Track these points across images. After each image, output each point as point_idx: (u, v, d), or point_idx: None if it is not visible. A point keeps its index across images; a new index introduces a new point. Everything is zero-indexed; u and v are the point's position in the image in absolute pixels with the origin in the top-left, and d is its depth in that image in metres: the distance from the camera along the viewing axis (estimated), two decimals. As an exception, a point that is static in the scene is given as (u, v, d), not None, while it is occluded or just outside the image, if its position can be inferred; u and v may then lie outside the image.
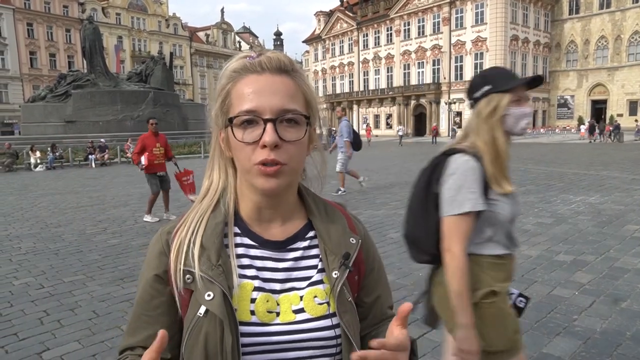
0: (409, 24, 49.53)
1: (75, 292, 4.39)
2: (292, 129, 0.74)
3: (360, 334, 0.84)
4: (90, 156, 21.50)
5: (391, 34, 51.20)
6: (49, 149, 21.02)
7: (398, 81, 50.81)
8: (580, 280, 4.30)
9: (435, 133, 35.92)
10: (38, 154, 20.68)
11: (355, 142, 9.70)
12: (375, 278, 0.90)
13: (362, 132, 53.20)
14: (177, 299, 0.79)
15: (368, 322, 0.89)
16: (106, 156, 21.92)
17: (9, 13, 46.57)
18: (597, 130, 32.91)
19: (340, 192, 9.79)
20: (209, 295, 0.74)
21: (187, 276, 0.77)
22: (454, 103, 43.41)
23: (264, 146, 0.72)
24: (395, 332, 0.66)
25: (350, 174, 10.10)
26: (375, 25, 53.16)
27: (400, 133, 35.37)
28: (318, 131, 0.85)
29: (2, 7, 45.96)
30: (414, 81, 49.33)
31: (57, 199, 10.76)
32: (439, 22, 46.66)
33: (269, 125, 0.72)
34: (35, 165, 20.37)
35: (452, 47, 45.06)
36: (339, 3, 59.54)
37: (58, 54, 50.94)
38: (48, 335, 3.45)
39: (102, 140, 22.65)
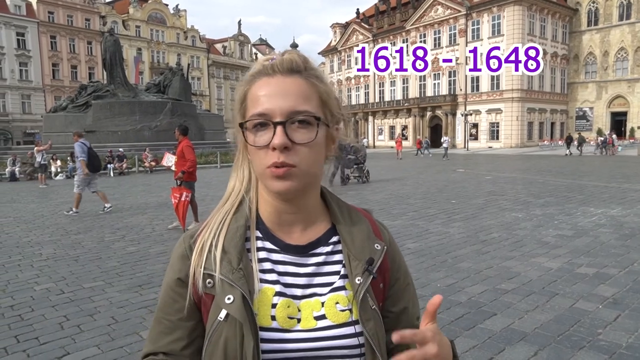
0: (424, 36, 49.51)
1: (95, 298, 4.44)
2: (303, 130, 0.73)
3: (387, 347, 0.79)
4: (108, 165, 21.83)
5: (407, 45, 51.23)
6: (68, 157, 21.41)
7: (414, 92, 50.69)
8: (604, 294, 4.20)
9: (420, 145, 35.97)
10: (59, 162, 21.06)
11: (93, 163, 9.52)
12: (401, 287, 0.86)
13: (379, 143, 53.79)
14: (197, 301, 0.78)
15: None
16: (124, 165, 22.25)
17: (34, 26, 47.85)
18: (574, 143, 30.99)
19: (72, 212, 9.49)
20: (229, 298, 0.73)
21: (208, 280, 0.75)
22: (470, 115, 43.11)
23: (274, 149, 0.72)
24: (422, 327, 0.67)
25: (99, 196, 9.88)
26: (391, 37, 53.24)
27: (445, 145, 31.44)
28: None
29: (27, 20, 47.32)
30: (429, 92, 49.20)
31: (77, 207, 10.91)
32: (455, 34, 46.57)
33: (279, 128, 0.72)
34: (56, 174, 20.76)
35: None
36: (354, 15, 59.93)
37: (79, 66, 52.01)
38: (68, 340, 3.48)
39: (120, 149, 23.01)
